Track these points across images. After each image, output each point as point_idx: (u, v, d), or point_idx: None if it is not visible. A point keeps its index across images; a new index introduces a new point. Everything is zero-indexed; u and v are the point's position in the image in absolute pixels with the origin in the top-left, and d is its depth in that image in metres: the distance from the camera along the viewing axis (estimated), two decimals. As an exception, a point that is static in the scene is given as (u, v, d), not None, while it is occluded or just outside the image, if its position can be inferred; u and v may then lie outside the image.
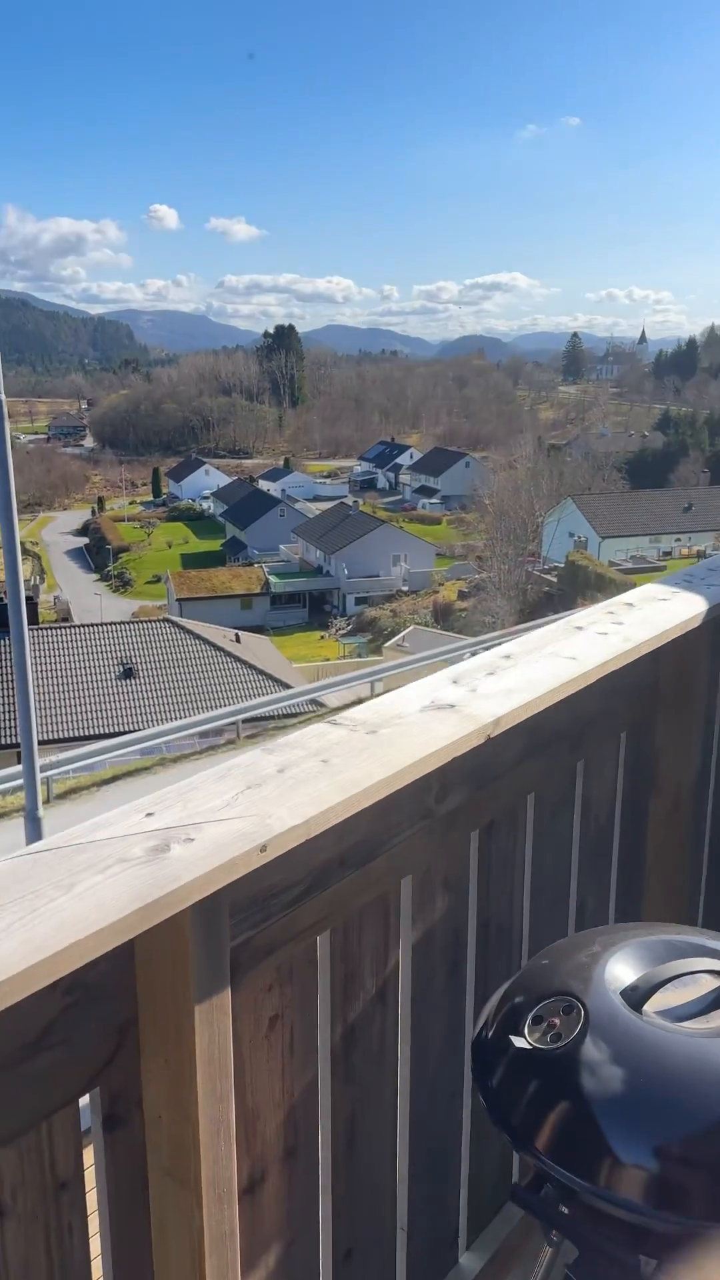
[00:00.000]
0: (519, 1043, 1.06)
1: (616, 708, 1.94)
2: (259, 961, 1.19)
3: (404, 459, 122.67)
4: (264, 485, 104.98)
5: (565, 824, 1.93)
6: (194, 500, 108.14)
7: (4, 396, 4.33)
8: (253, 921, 1.18)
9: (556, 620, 2.02)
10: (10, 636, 4.82)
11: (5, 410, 4.32)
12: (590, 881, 2.04)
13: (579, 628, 1.88)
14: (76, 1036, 1.02)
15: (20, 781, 13.75)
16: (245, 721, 16.89)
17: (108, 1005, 1.05)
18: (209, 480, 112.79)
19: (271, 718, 18.70)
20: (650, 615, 1.97)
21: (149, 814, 1.08)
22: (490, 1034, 1.15)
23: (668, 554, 61.37)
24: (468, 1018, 1.66)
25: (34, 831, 4.94)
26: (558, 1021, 1.06)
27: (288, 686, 26.27)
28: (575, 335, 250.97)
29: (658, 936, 1.16)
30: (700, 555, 57.33)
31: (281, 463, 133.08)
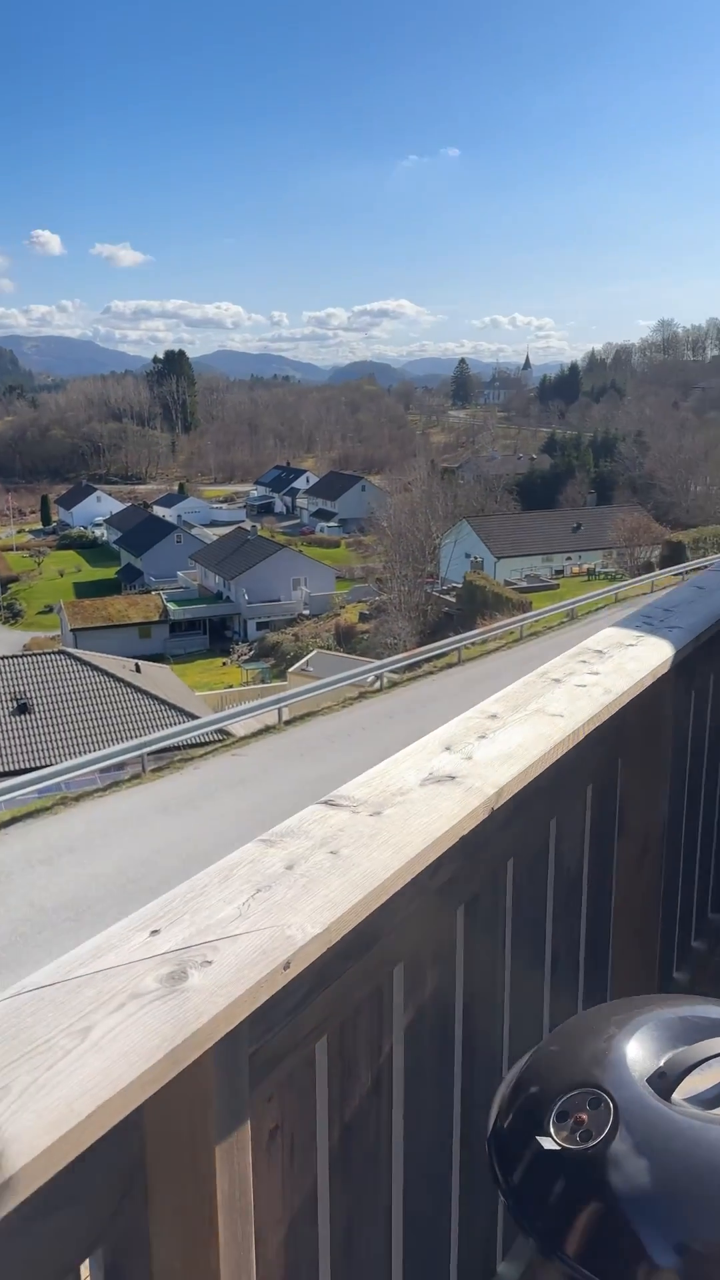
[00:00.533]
0: (547, 1144, 0.99)
1: (585, 759, 1.90)
2: (264, 1076, 1.09)
3: (300, 483, 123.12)
4: (159, 511, 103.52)
5: (540, 883, 1.89)
6: (86, 527, 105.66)
7: None
8: (258, 1035, 1.06)
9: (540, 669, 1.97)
10: None
11: None
12: (562, 935, 2.01)
13: (556, 680, 1.85)
14: (81, 1195, 0.88)
15: None
16: (150, 754, 16.47)
17: (113, 1153, 0.91)
18: (101, 507, 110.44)
19: (178, 749, 18.30)
20: (623, 663, 1.96)
21: (154, 931, 0.97)
22: (508, 1127, 1.08)
23: (560, 572, 63.31)
24: (455, 1099, 1.60)
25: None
26: (585, 1117, 0.99)
27: (192, 716, 25.80)
28: (462, 361, 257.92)
29: (673, 1012, 1.10)
30: (590, 573, 59.40)
31: (176, 488, 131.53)
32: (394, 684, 21.96)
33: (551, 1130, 1.00)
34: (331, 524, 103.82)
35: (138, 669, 32.78)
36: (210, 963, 0.93)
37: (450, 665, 23.21)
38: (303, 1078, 1.19)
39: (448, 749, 1.51)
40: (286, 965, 0.96)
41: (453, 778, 1.39)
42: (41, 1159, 0.71)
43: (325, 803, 1.30)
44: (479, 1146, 1.64)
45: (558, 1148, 0.98)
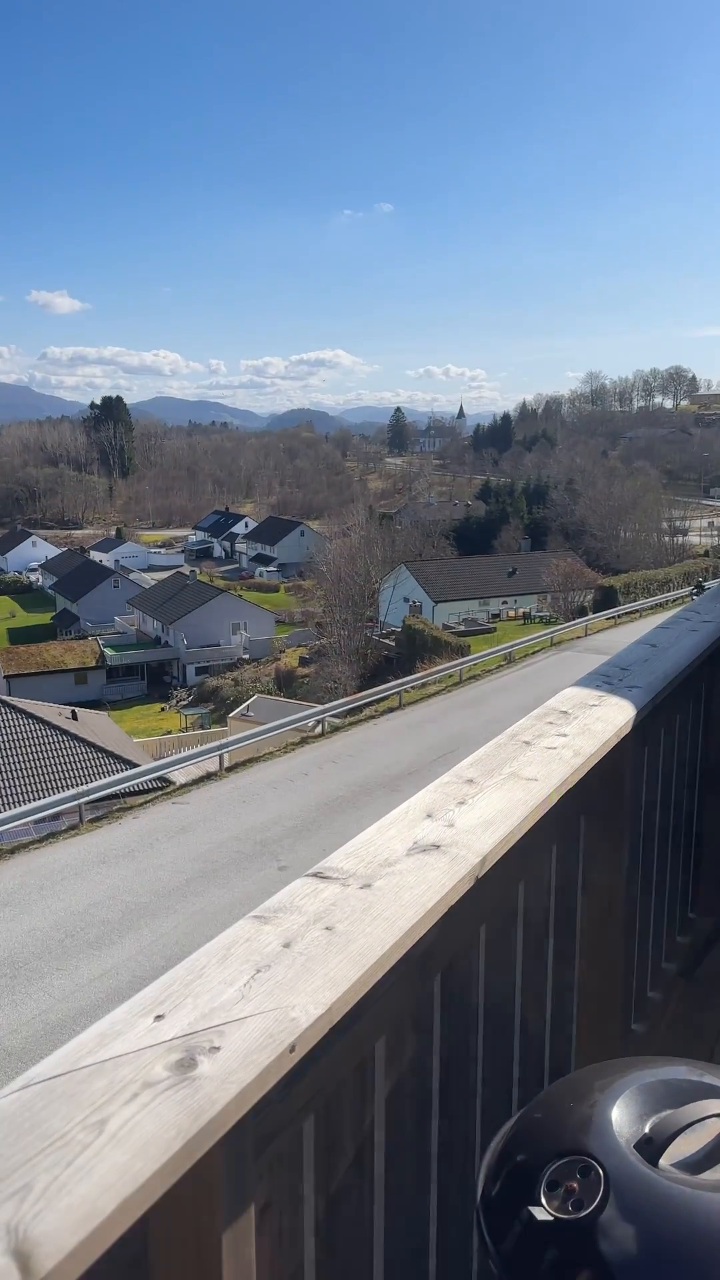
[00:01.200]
0: (540, 1214, 0.98)
1: (552, 820, 1.92)
2: (260, 1157, 1.09)
3: (239, 528, 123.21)
4: (96, 556, 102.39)
5: (510, 946, 1.89)
6: (20, 572, 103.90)
7: None
8: (257, 1117, 1.06)
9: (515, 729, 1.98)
10: None
11: None
12: (530, 997, 2.00)
13: (527, 742, 1.88)
14: None
15: None
16: (88, 804, 16.16)
17: (115, 1246, 0.85)
18: (36, 552, 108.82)
19: (117, 798, 17.99)
20: (589, 724, 1.99)
21: (158, 1016, 0.96)
22: (498, 1195, 1.06)
23: (496, 616, 64.32)
24: (433, 1167, 1.60)
25: None
26: (575, 1185, 0.97)
27: (131, 764, 25.38)
28: (398, 410, 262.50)
29: (653, 1075, 1.08)
30: (526, 617, 60.47)
31: (114, 533, 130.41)
32: (336, 728, 21.98)
33: (543, 1199, 0.99)
34: (271, 569, 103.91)
35: (74, 716, 32.20)
36: (218, 1049, 0.92)
37: (392, 709, 23.35)
38: (292, 1155, 1.19)
39: (429, 816, 1.51)
40: (292, 1048, 0.96)
41: (438, 846, 1.40)
42: (69, 1260, 0.69)
43: (315, 875, 1.31)
44: (459, 1213, 1.64)
45: (550, 1218, 0.97)
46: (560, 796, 1.74)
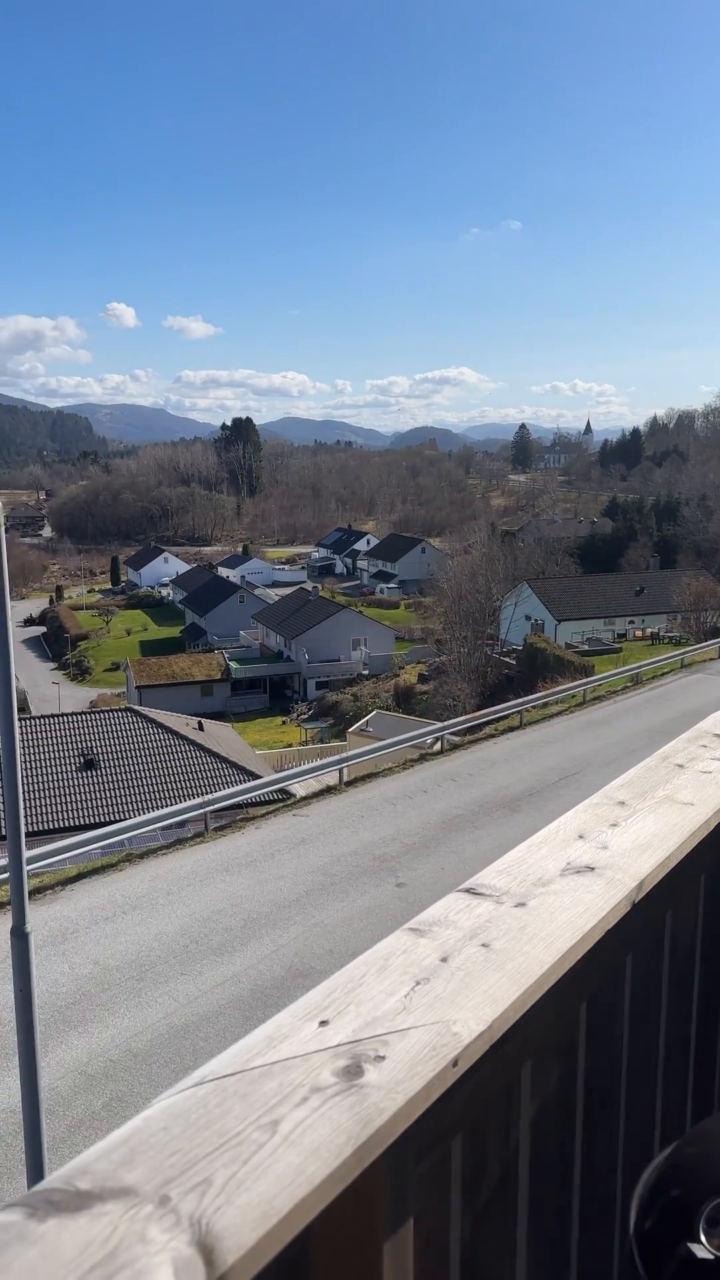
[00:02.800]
0: (700, 1251, 0.98)
1: (704, 847, 1.88)
2: (416, 1169, 1.10)
3: (361, 545, 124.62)
4: (223, 572, 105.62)
5: (655, 975, 1.85)
6: (153, 587, 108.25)
7: None
8: (417, 1129, 1.08)
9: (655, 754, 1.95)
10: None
11: (1, 513, 4.39)
12: (674, 1031, 1.97)
13: (680, 765, 1.84)
14: None
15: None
16: (213, 813, 16.62)
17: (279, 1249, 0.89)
18: (168, 568, 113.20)
19: (240, 808, 18.43)
20: None
21: (323, 1022, 0.99)
22: (652, 1229, 1.07)
23: (622, 636, 62.57)
24: (575, 1194, 1.60)
25: (21, 950, 4.75)
26: None
27: (254, 775, 25.96)
28: (523, 426, 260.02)
29: None
30: (654, 637, 58.57)
31: (240, 549, 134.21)
32: (455, 746, 21.85)
33: (703, 1237, 0.99)
34: (391, 585, 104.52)
35: (200, 727, 33.19)
36: (383, 1058, 0.93)
37: (512, 728, 23.03)
38: (440, 1171, 1.20)
39: (581, 837, 1.51)
40: (454, 1063, 0.97)
41: (592, 869, 1.39)
42: (249, 1256, 0.70)
43: (467, 891, 1.32)
44: (599, 1241, 1.63)
45: (711, 1256, 0.97)
46: (719, 823, 1.70)
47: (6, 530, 4.61)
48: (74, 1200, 0.71)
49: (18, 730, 4.63)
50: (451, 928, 1.22)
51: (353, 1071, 0.91)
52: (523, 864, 1.42)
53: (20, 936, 4.69)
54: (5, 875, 13.14)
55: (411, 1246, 1.04)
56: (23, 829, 4.73)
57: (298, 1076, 0.89)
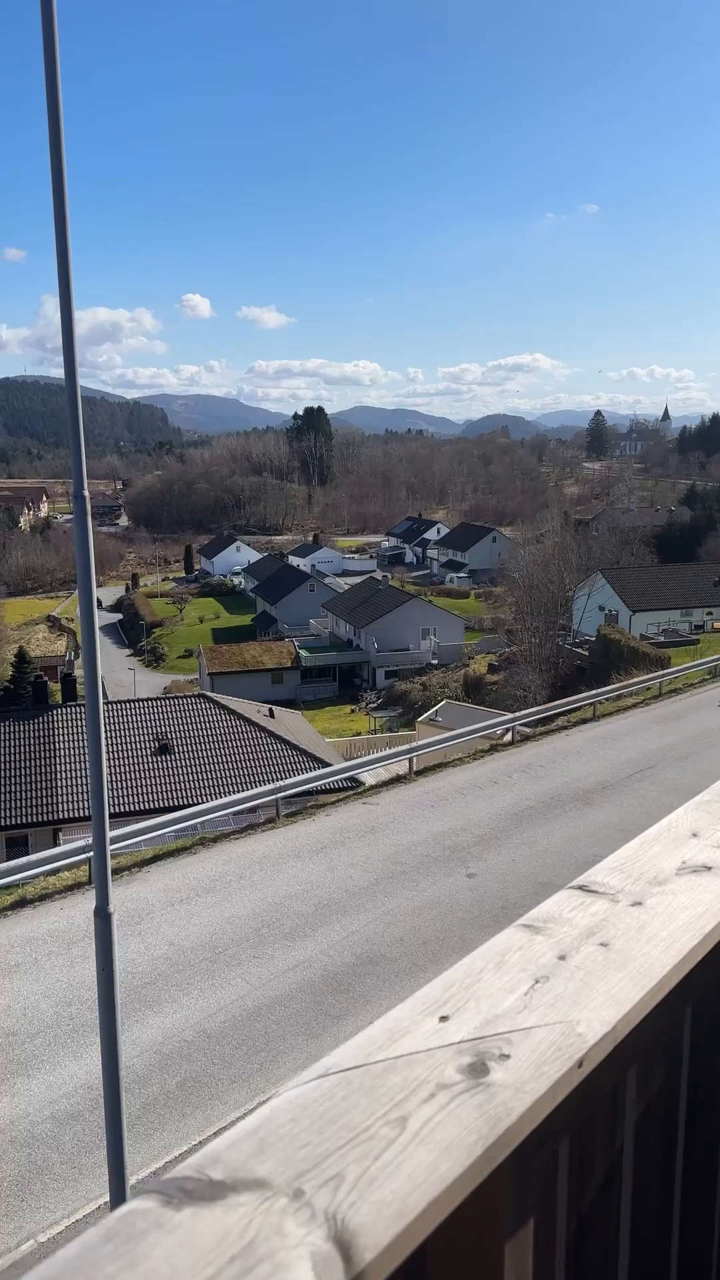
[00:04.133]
0: None
1: None
2: (535, 1169, 1.10)
3: (431, 534, 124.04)
4: (294, 561, 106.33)
5: None
6: (225, 576, 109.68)
7: (87, 493, 4.48)
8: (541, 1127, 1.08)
9: None
10: (85, 719, 4.81)
11: (88, 506, 4.47)
12: None
13: None
14: None
15: (74, 859, 13.66)
16: (284, 799, 16.79)
17: None
18: (240, 556, 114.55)
19: (310, 794, 18.58)
20: None
21: (443, 1017, 0.98)
22: None
23: (700, 627, 61.00)
24: (677, 1193, 1.58)
25: (104, 929, 4.86)
26: None
27: (324, 763, 26.14)
28: (598, 413, 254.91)
29: None
30: (733, 628, 56.98)
31: (311, 539, 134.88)
32: (526, 737, 21.62)
33: None
34: (462, 575, 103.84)
35: (271, 714, 33.53)
36: (508, 1057, 0.92)
37: (585, 720, 22.67)
38: (548, 1171, 1.19)
39: (695, 835, 1.48)
40: (579, 1064, 0.96)
41: (709, 868, 1.36)
42: (386, 1254, 0.69)
43: (580, 888, 1.30)
44: (701, 1244, 1.61)
45: None
46: None
47: (74, 519, 4.69)
48: (208, 1190, 0.71)
49: (102, 715, 4.72)
50: (567, 925, 1.20)
51: (478, 1069, 0.90)
52: (636, 861, 1.39)
53: (103, 916, 4.81)
54: (86, 856, 13.52)
55: (530, 1249, 1.03)
56: (106, 811, 4.83)
57: (422, 1072, 0.88)
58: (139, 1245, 0.65)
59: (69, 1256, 0.63)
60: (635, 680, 26.50)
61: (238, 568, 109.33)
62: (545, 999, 1.03)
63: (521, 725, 22.06)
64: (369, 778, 21.15)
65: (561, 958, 1.12)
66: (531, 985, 1.06)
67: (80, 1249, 0.64)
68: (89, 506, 4.46)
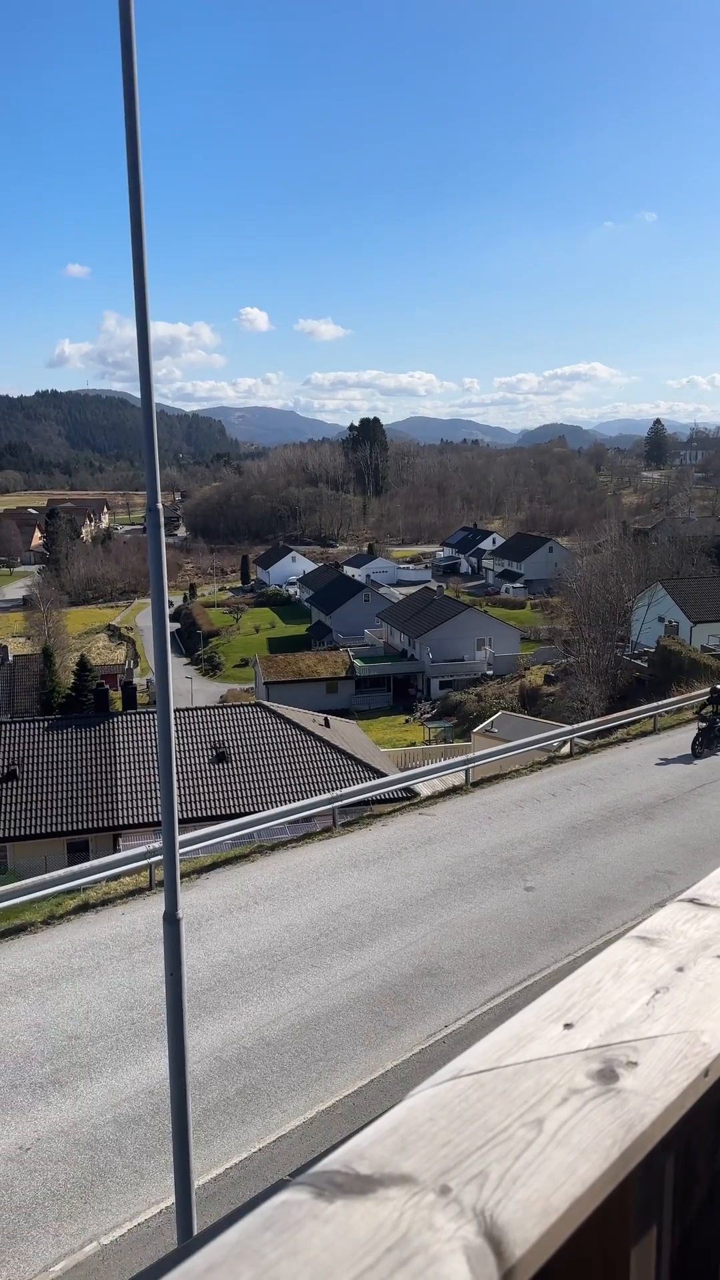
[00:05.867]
0: None
1: None
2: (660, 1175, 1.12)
3: (487, 544, 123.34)
4: (349, 571, 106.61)
5: None
6: (281, 586, 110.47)
7: (160, 505, 4.58)
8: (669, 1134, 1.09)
9: None
10: (157, 728, 4.89)
11: (161, 517, 4.56)
12: None
13: None
14: None
15: (136, 865, 13.86)
16: (340, 808, 16.83)
17: None
18: (295, 567, 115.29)
19: (366, 804, 18.59)
20: None
21: (567, 1025, 1.00)
22: None
23: (763, 639, 59.54)
24: None
25: (172, 935, 4.93)
26: None
27: (379, 772, 26.13)
28: (657, 421, 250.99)
29: None
30: None
31: (366, 549, 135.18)
32: (584, 750, 21.34)
33: None
34: (517, 585, 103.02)
35: (326, 723, 33.65)
36: (636, 1064, 0.93)
37: (645, 733, 22.30)
38: (659, 1179, 1.20)
39: None
40: (705, 1073, 0.97)
41: None
42: (534, 1251, 0.71)
43: (691, 901, 1.31)
44: None
45: None
46: None
47: (145, 531, 4.78)
48: (357, 1183, 0.73)
49: (173, 723, 4.80)
50: (681, 937, 1.21)
51: (607, 1075, 0.91)
52: None
53: (172, 922, 4.87)
54: (148, 861, 13.71)
55: (653, 1255, 1.04)
56: (175, 818, 4.91)
57: (552, 1077, 0.89)
58: (297, 1234, 0.67)
59: (231, 1242, 0.66)
60: (696, 692, 25.98)
61: (293, 578, 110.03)
62: (667, 1009, 1.04)
63: (579, 738, 21.78)
64: (425, 788, 21.09)
65: (680, 969, 1.13)
66: (652, 995, 1.07)
67: (240, 1235, 0.67)
68: (162, 519, 4.55)
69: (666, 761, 19.61)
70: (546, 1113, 0.84)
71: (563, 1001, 1.05)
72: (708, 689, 24.11)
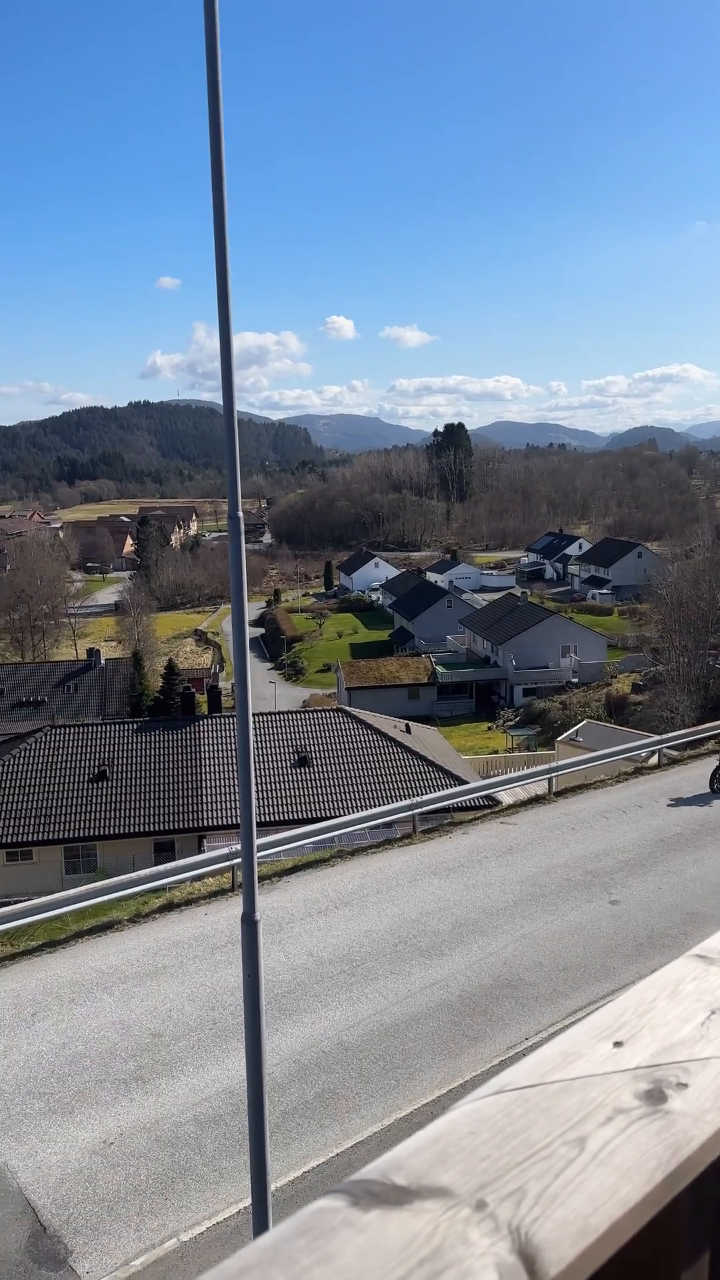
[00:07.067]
0: None
1: None
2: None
3: (573, 549, 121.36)
4: (432, 577, 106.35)
5: None
6: (363, 592, 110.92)
7: (241, 512, 4.64)
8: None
9: None
10: (236, 733, 4.94)
11: (242, 524, 4.62)
12: None
13: None
14: None
15: (219, 866, 14.09)
16: (420, 815, 16.75)
17: None
18: (378, 572, 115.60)
19: (446, 811, 18.46)
20: None
21: (617, 1043, 0.98)
22: None
23: None
24: None
25: (250, 936, 4.98)
26: None
27: (460, 780, 25.93)
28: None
29: None
30: None
31: (449, 555, 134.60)
32: (673, 761, 20.74)
33: None
34: (604, 591, 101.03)
35: (408, 729, 33.59)
36: (686, 1086, 0.91)
37: (738, 745, 21.54)
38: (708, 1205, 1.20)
39: None
40: None
41: None
42: (569, 1272, 0.69)
43: None
44: None
45: None
46: None
47: (229, 537, 4.84)
48: (393, 1194, 0.72)
49: (251, 727, 4.85)
50: None
51: (655, 1096, 0.89)
52: None
53: (250, 923, 4.91)
54: (230, 863, 13.90)
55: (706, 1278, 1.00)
56: (254, 821, 4.95)
57: (598, 1095, 0.88)
58: (331, 1241, 0.67)
59: (264, 1246, 0.66)
60: None
61: (376, 584, 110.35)
62: None
63: (669, 748, 21.18)
64: (506, 797, 20.82)
65: None
66: (708, 1016, 1.03)
67: (275, 1239, 0.67)
68: (243, 526, 4.61)
69: (761, 774, 18.89)
70: (589, 1131, 0.83)
71: (614, 1019, 1.02)
72: None
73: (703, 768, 19.79)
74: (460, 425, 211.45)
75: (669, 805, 17.30)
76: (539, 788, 19.10)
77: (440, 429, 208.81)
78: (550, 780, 18.59)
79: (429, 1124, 0.80)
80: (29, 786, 28.58)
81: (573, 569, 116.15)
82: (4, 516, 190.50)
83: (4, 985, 11.24)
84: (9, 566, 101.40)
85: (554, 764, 19.60)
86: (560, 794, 18.48)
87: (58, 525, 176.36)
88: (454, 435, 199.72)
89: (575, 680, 63.46)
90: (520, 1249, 0.69)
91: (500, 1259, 0.68)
